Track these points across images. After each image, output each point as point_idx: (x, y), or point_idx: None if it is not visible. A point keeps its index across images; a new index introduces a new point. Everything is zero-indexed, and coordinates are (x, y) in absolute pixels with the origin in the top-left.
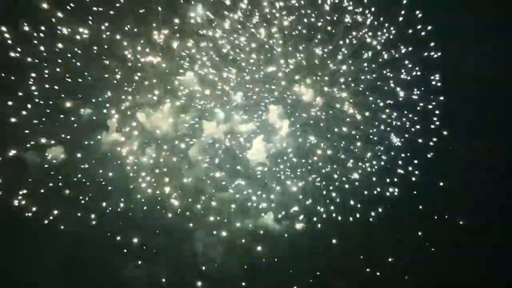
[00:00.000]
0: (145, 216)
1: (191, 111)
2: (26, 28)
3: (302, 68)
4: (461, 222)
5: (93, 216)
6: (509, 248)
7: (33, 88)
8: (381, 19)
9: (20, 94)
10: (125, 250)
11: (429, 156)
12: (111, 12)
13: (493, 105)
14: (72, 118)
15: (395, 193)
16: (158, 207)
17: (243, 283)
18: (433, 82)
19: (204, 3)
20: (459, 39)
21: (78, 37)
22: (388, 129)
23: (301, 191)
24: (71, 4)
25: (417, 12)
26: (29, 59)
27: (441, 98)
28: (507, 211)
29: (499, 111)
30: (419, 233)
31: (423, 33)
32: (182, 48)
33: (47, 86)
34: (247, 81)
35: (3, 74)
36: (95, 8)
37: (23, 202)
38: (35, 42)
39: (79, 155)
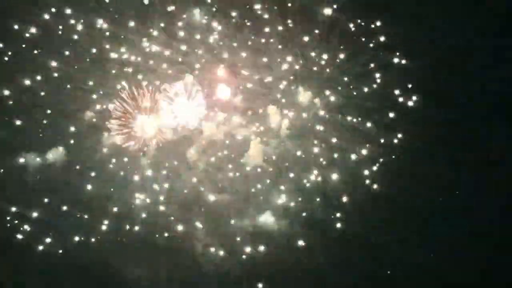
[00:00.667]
0: (145, 218)
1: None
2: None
3: (301, 70)
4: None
5: (92, 218)
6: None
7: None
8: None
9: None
10: (124, 251)
11: (430, 158)
12: (110, 16)
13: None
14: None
15: (395, 195)
16: (158, 209)
17: (243, 284)
18: (434, 86)
19: (201, 7)
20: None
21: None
22: (388, 132)
23: (300, 193)
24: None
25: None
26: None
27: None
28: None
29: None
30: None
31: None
32: (180, 51)
33: (48, 89)
34: (245, 84)
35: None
36: (95, 12)
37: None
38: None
39: (79, 158)
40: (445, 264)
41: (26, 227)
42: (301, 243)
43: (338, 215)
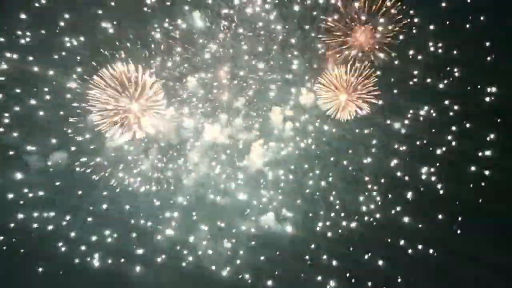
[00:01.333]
0: (148, 221)
1: (193, 117)
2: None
3: (302, 73)
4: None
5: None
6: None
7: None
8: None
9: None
10: (128, 255)
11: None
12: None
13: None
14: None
15: (396, 199)
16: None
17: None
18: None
19: (203, 12)
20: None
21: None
22: (390, 135)
23: (301, 196)
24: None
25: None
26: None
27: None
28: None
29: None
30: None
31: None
32: (184, 55)
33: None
34: (248, 87)
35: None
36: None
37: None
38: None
39: (83, 159)
40: None
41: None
42: (303, 245)
43: (342, 221)
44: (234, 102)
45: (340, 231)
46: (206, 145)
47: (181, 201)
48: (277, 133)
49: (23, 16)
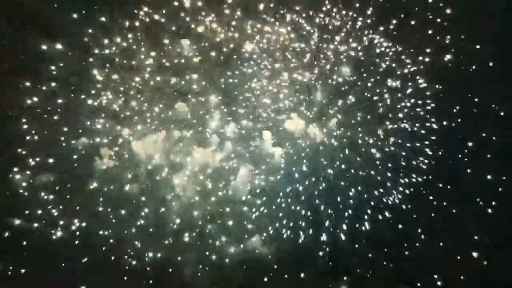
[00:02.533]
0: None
1: (183, 141)
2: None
3: (293, 99)
4: None
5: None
6: None
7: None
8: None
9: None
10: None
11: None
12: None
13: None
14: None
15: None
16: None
17: None
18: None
19: (191, 38)
20: None
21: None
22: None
23: (291, 220)
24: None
25: None
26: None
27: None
28: None
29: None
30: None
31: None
32: (173, 79)
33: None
34: (237, 112)
35: None
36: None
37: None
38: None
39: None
40: None
41: None
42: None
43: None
44: (224, 127)
45: (330, 285)
46: (194, 170)
47: (169, 227)
48: (267, 159)
49: None
